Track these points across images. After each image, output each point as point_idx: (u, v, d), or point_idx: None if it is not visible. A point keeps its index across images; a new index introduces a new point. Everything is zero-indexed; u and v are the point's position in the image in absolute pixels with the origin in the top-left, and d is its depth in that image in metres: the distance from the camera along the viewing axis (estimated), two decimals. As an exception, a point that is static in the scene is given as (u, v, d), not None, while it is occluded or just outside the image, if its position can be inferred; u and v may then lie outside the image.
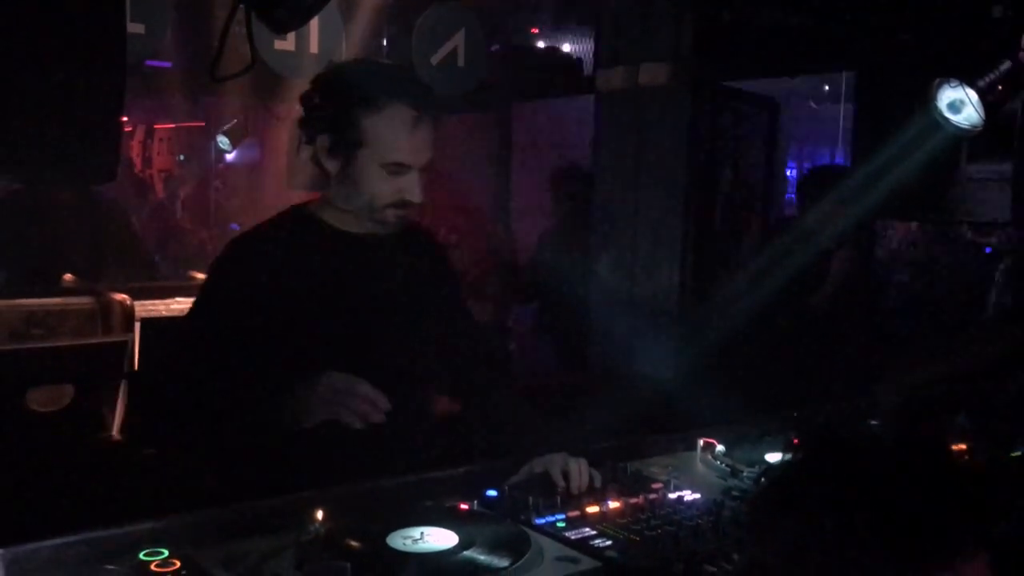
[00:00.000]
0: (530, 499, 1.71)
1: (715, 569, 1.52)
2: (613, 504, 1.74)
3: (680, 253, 3.81)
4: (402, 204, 1.98)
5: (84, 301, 3.20)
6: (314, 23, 4.29)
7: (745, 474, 1.95)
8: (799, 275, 3.91)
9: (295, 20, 1.90)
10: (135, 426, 2.93)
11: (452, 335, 2.18)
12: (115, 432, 2.95)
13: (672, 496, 1.82)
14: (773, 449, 2.14)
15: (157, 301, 3.47)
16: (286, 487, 1.66)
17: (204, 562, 1.43)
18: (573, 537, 1.60)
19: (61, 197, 4.25)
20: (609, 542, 1.59)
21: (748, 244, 4.13)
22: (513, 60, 5.91)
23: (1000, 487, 1.22)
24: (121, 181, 4.95)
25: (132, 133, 9.03)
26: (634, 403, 2.88)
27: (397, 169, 1.95)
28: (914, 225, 4.34)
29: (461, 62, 5.01)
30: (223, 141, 7.50)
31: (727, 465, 2.01)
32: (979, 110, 2.64)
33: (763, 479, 1.74)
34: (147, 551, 1.45)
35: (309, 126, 2.00)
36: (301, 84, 4.81)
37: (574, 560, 1.51)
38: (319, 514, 1.50)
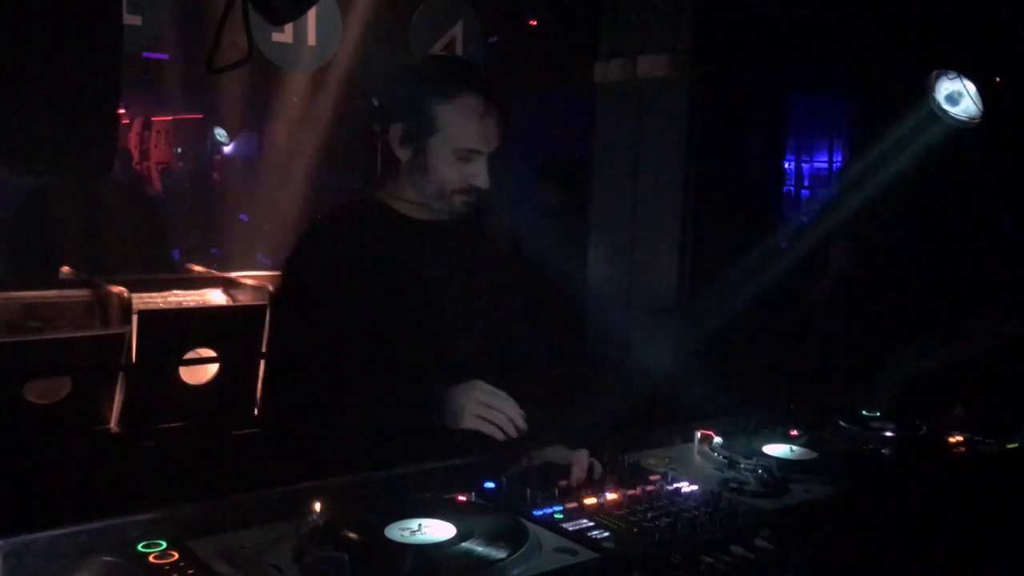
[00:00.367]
0: (528, 491, 1.72)
1: (712, 560, 1.53)
2: (611, 496, 1.75)
3: (678, 245, 3.82)
4: (470, 190, 2.08)
5: (81, 293, 3.19)
6: (311, 15, 4.28)
7: (742, 466, 1.95)
8: (797, 268, 3.91)
9: (292, 11, 1.90)
10: (135, 419, 2.93)
11: (512, 320, 2.26)
12: (113, 424, 2.95)
13: (670, 488, 1.82)
14: (770, 441, 2.15)
15: (154, 293, 3.46)
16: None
17: (202, 553, 1.43)
18: (571, 528, 1.61)
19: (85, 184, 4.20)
20: (607, 533, 1.59)
21: (747, 237, 4.13)
22: (511, 52, 5.89)
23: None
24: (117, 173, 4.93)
25: (130, 125, 9.01)
26: (631, 395, 2.89)
27: (468, 155, 2.05)
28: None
29: (459, 54, 5.00)
30: (220, 133, 7.48)
31: (724, 457, 2.02)
32: (977, 102, 2.64)
33: None
34: (145, 543, 1.46)
35: (383, 116, 2.12)
36: (298, 76, 4.79)
37: (572, 551, 1.52)
38: (317, 505, 1.51)
